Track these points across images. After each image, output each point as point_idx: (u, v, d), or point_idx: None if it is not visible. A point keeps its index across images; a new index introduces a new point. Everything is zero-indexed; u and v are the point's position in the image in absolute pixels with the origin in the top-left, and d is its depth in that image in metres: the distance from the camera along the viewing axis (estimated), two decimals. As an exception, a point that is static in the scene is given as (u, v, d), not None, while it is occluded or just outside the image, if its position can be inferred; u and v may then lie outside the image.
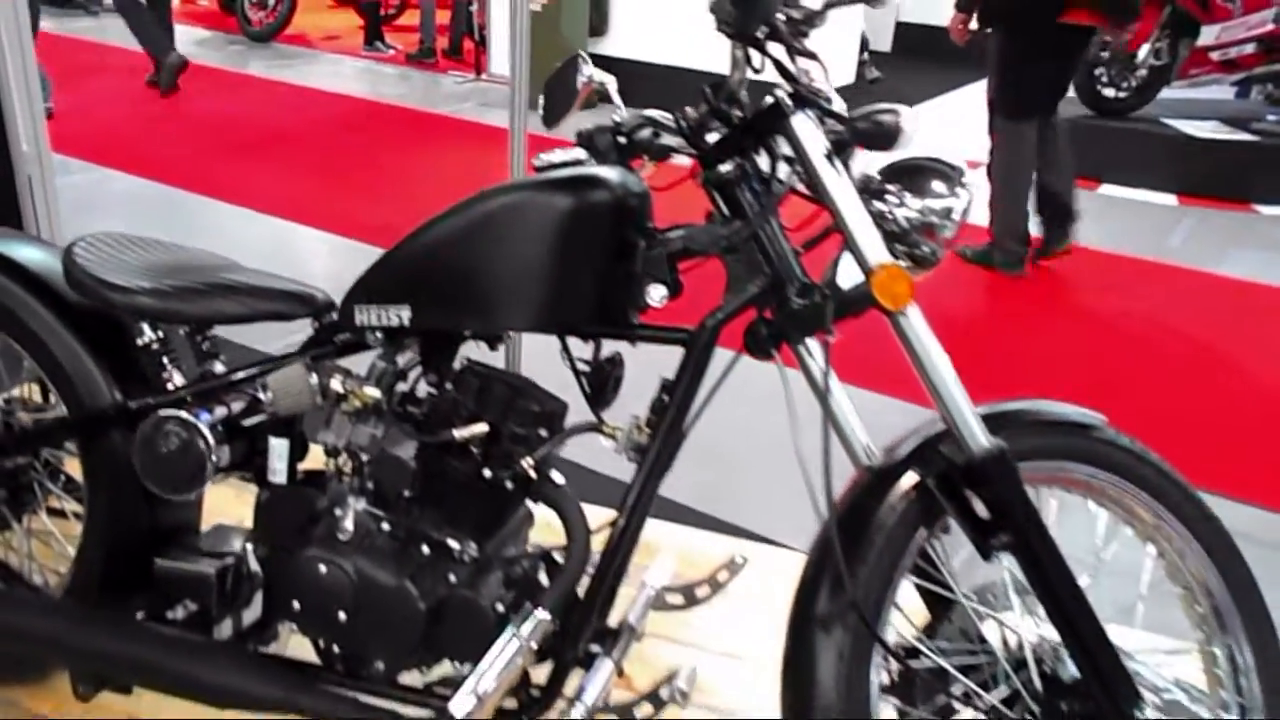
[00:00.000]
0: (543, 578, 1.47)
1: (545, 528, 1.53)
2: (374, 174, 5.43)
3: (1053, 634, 1.33)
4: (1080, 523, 1.45)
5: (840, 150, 1.30)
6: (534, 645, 1.35)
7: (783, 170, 1.36)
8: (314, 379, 1.44)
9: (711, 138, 1.38)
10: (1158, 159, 5.76)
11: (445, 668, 1.49)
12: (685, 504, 2.57)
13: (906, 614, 1.38)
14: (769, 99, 1.30)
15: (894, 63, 8.87)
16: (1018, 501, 1.28)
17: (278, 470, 1.50)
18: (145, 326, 1.60)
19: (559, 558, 1.48)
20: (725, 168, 1.36)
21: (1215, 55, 5.73)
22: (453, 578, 1.42)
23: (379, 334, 1.45)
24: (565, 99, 1.47)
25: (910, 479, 1.34)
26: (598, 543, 1.41)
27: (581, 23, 6.88)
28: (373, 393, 1.43)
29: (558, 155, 1.47)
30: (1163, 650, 1.44)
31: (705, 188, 1.40)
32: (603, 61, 1.50)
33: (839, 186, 1.28)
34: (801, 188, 1.35)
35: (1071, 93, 5.88)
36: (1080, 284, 4.42)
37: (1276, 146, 5.72)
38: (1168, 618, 1.51)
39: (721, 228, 1.36)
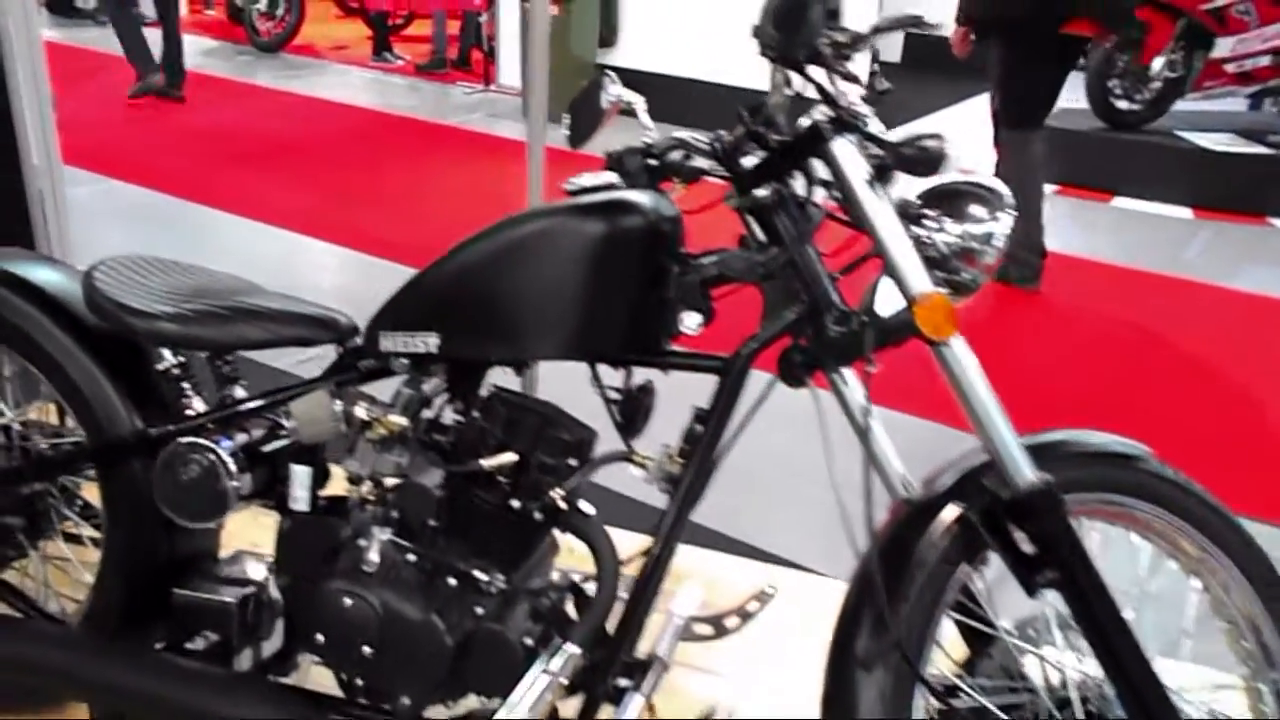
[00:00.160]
0: (570, 609, 1.43)
1: (568, 553, 1.50)
2: (384, 185, 5.41)
3: (1097, 670, 1.30)
4: (1123, 555, 1.42)
5: (881, 175, 1.26)
6: (564, 680, 1.32)
7: (819, 194, 1.33)
8: (338, 406, 1.42)
9: (746, 160, 1.34)
10: (1172, 172, 5.73)
11: (471, 701, 1.46)
12: (712, 528, 2.53)
13: (944, 648, 1.35)
14: (805, 121, 1.27)
15: (903, 74, 8.85)
16: (1064, 537, 1.25)
17: (299, 498, 1.47)
18: (165, 351, 1.58)
19: (585, 587, 1.44)
20: (761, 192, 1.33)
21: (1230, 68, 5.70)
22: (480, 610, 1.38)
23: (405, 360, 1.42)
24: (591, 119, 1.45)
25: (952, 512, 1.30)
26: (626, 571, 1.37)
27: (591, 34, 6.87)
28: (398, 420, 1.40)
29: (587, 179, 1.43)
30: (1209, 685, 1.40)
31: (739, 212, 1.37)
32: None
33: (882, 213, 1.25)
34: (838, 211, 1.32)
35: (1085, 105, 5.88)
36: (1097, 298, 4.38)
37: (1292, 159, 5.70)
38: (1212, 650, 1.47)
39: (758, 254, 1.33)
